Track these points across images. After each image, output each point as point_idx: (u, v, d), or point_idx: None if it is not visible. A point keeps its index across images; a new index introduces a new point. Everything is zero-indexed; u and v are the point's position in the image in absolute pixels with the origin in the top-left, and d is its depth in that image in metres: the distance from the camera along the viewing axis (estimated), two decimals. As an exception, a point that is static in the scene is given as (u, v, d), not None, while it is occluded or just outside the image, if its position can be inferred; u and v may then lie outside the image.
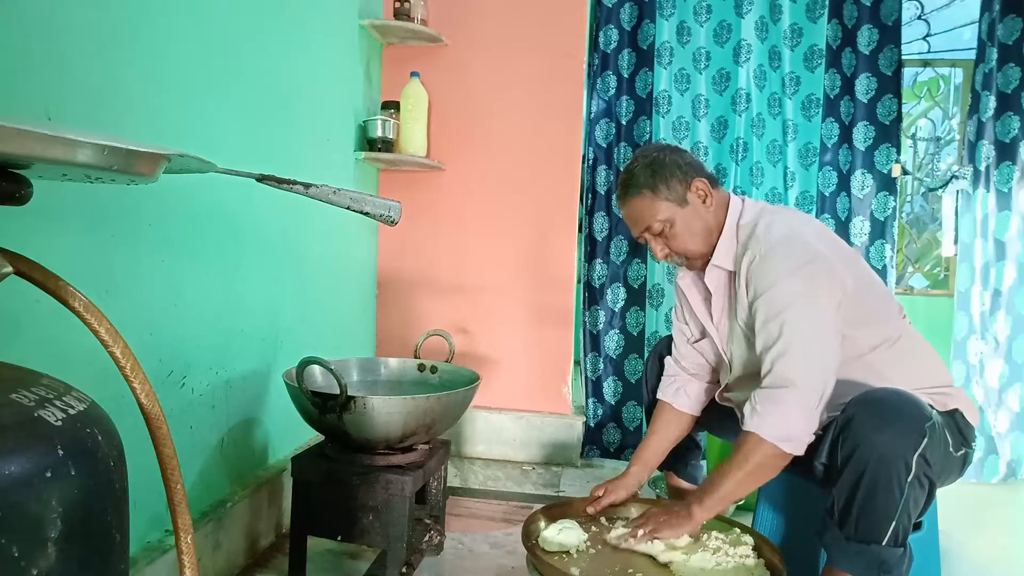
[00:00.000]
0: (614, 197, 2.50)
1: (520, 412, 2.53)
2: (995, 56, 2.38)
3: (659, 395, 1.62)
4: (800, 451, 1.24)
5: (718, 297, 1.45)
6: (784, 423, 1.22)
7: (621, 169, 2.54)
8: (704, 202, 1.40)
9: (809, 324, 1.24)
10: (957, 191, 2.50)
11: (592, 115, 2.56)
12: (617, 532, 1.36)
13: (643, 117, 2.54)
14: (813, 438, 1.24)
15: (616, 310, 2.59)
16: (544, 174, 2.48)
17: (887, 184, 2.44)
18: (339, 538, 1.46)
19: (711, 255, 1.41)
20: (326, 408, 1.36)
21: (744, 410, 1.28)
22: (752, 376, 1.36)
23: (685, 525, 1.29)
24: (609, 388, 2.60)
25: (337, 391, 1.34)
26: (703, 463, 1.87)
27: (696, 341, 1.57)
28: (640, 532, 1.31)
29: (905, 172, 2.55)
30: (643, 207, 1.40)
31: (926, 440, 1.12)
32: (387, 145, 2.32)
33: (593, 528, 1.41)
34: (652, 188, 1.39)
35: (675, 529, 1.29)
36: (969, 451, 1.31)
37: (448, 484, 1.79)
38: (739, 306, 1.38)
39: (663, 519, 1.31)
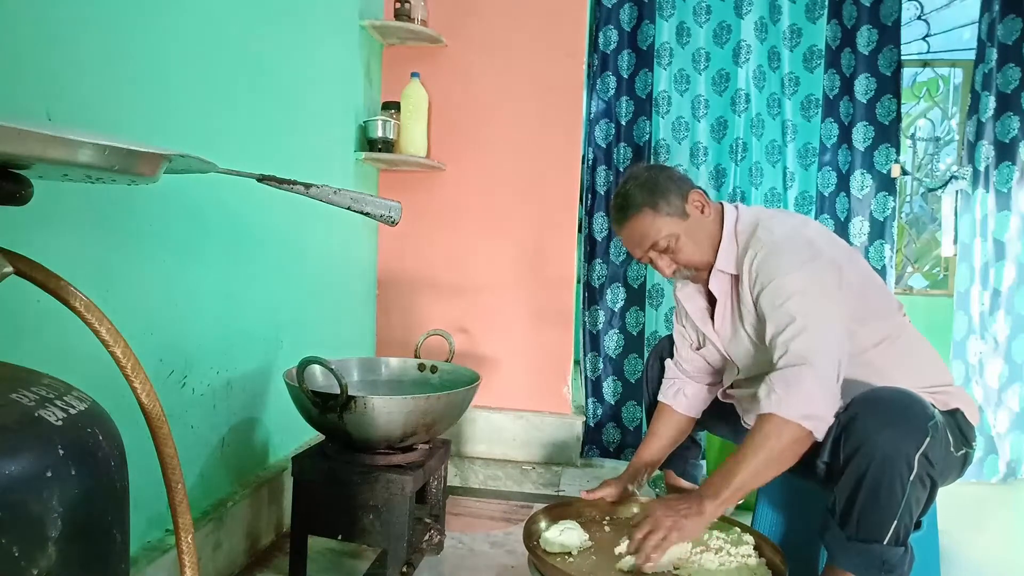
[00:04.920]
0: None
1: (520, 412, 2.53)
2: (995, 56, 2.38)
3: (660, 397, 1.62)
4: (821, 433, 1.18)
5: (723, 302, 1.44)
6: (805, 400, 1.17)
7: (621, 170, 2.55)
8: (703, 212, 1.40)
9: (820, 307, 1.23)
10: (956, 191, 2.50)
11: (592, 115, 2.56)
12: (624, 553, 1.24)
13: (643, 117, 2.54)
14: (833, 420, 1.20)
15: (616, 310, 2.59)
16: (544, 174, 2.48)
17: (886, 184, 2.44)
18: (339, 537, 1.46)
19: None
20: (327, 408, 1.36)
21: (759, 393, 1.23)
22: (758, 377, 1.36)
23: (697, 525, 1.18)
24: (609, 388, 2.60)
25: (337, 391, 1.34)
26: (702, 462, 1.87)
27: (698, 348, 1.57)
28: (651, 544, 1.17)
29: (904, 172, 2.55)
30: (645, 225, 1.38)
31: (928, 439, 1.13)
32: (387, 145, 2.32)
33: (595, 529, 1.41)
34: (652, 205, 1.37)
35: (686, 532, 1.18)
36: (970, 451, 1.31)
37: (448, 483, 1.79)
38: (744, 309, 1.37)
39: (670, 522, 1.18)
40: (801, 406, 1.18)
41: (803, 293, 1.24)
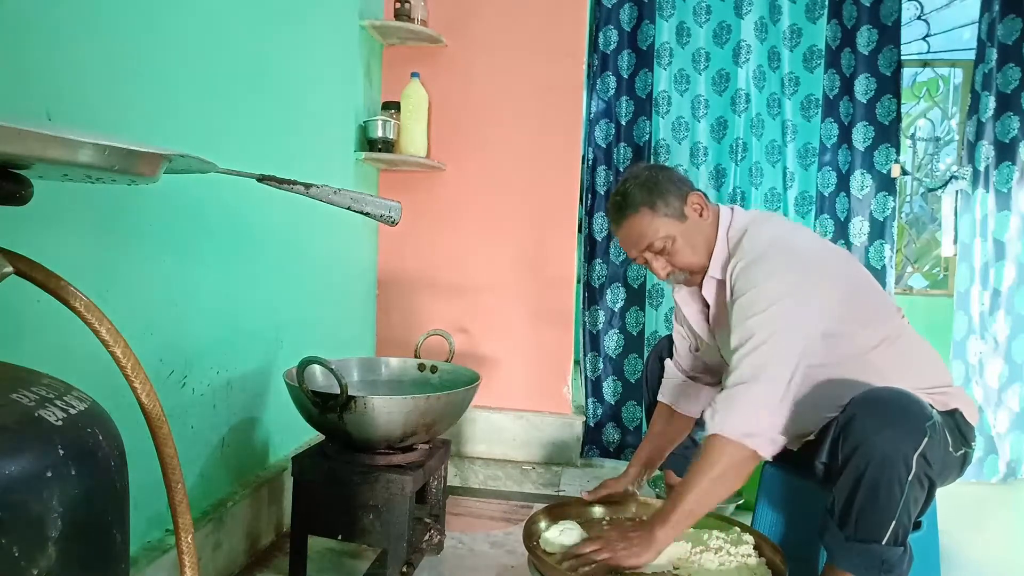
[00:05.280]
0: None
1: (520, 412, 2.53)
2: (995, 56, 2.38)
3: (660, 397, 1.62)
4: (766, 451, 1.19)
5: (716, 307, 1.44)
6: (747, 418, 1.18)
7: (621, 170, 2.55)
8: (701, 215, 1.39)
9: (785, 321, 1.22)
10: (956, 191, 2.50)
11: (592, 115, 2.56)
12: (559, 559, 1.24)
13: (643, 117, 2.54)
14: (781, 440, 1.21)
15: (616, 310, 2.59)
16: (544, 174, 2.48)
17: (886, 184, 2.44)
18: (339, 537, 1.46)
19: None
20: (327, 408, 1.36)
21: (705, 415, 1.24)
22: None
23: (647, 551, 1.19)
24: (609, 388, 2.60)
25: (338, 391, 1.34)
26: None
27: (696, 349, 1.57)
28: (596, 557, 1.20)
29: (904, 172, 2.55)
30: (642, 225, 1.37)
31: (927, 439, 1.13)
32: (387, 145, 2.32)
33: (594, 529, 1.41)
34: (650, 205, 1.36)
35: (637, 558, 1.18)
36: (969, 451, 1.31)
37: (448, 483, 1.79)
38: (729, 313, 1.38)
39: (622, 547, 1.20)
40: (742, 425, 1.18)
41: (771, 306, 1.22)
